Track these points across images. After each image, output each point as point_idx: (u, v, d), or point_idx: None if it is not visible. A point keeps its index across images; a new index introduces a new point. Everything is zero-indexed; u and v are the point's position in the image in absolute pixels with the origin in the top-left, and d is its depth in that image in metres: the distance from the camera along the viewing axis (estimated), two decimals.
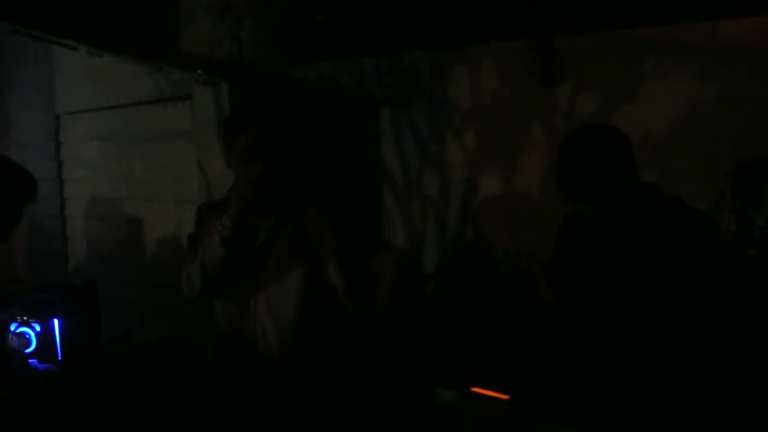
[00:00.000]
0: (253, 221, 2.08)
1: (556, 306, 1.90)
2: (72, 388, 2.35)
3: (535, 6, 2.80)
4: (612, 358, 1.65)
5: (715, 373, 1.55)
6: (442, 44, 3.42)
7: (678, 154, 2.66)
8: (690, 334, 1.54)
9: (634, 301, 1.59)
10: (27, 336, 2.30)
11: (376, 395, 1.76)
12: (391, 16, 3.39)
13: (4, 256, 4.54)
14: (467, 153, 3.40)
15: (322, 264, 2.10)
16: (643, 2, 2.77)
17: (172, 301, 3.37)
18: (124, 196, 4.34)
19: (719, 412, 1.54)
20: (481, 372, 1.90)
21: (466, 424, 1.54)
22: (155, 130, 4.04)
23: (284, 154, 2.05)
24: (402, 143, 3.66)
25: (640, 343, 1.60)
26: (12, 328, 2.30)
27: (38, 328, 2.32)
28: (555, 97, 3.08)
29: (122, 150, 4.27)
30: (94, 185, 4.45)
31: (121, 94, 4.10)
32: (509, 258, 3.24)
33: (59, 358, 2.35)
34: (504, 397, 1.58)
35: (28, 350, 2.31)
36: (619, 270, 1.63)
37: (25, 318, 2.31)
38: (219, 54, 3.46)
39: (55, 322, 2.35)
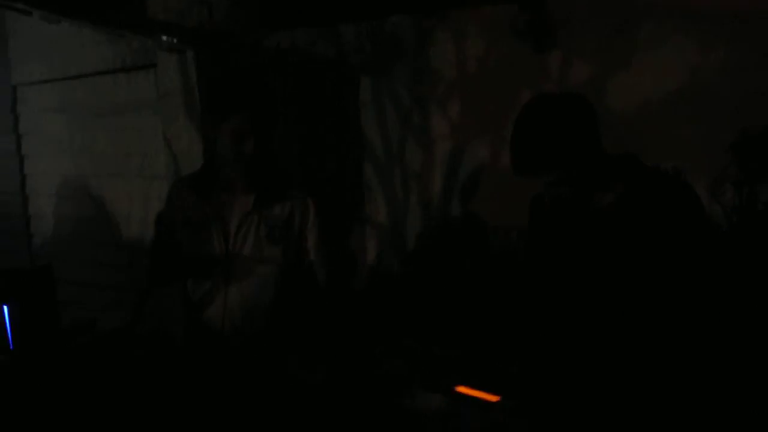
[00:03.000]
0: (230, 201, 1.90)
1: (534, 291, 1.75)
2: (27, 379, 2.20)
3: None
4: (587, 347, 1.53)
5: (697, 361, 1.46)
6: (424, 7, 3.24)
7: (678, 124, 2.52)
8: (669, 321, 1.43)
9: (607, 286, 1.48)
10: None
11: (348, 394, 1.60)
12: None
13: None
14: (452, 124, 3.24)
15: (303, 252, 1.95)
16: None
17: (141, 282, 3.20)
18: (88, 172, 4.12)
19: (698, 397, 1.46)
20: (467, 365, 1.74)
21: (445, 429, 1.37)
22: (118, 101, 3.81)
23: (274, 132, 1.87)
24: (383, 114, 3.49)
25: (616, 331, 1.48)
26: None
27: None
28: (545, 63, 2.91)
29: (84, 123, 4.04)
30: (56, 161, 4.21)
31: (81, 63, 3.85)
32: (499, 234, 3.14)
33: (11, 347, 2.19)
34: (493, 398, 1.40)
35: None
36: (589, 252, 1.50)
37: None
38: (189, 21, 3.23)
39: (5, 308, 2.18)
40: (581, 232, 1.52)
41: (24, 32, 4.09)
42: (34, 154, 4.36)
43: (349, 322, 2.64)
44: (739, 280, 2.13)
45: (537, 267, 1.68)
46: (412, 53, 3.31)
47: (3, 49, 4.18)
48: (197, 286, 1.95)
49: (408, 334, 2.38)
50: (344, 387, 1.59)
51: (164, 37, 2.99)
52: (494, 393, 1.40)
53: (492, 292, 2.94)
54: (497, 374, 1.58)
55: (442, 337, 2.57)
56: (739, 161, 2.29)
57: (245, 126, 1.78)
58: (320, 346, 1.93)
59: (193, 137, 3.23)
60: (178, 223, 1.95)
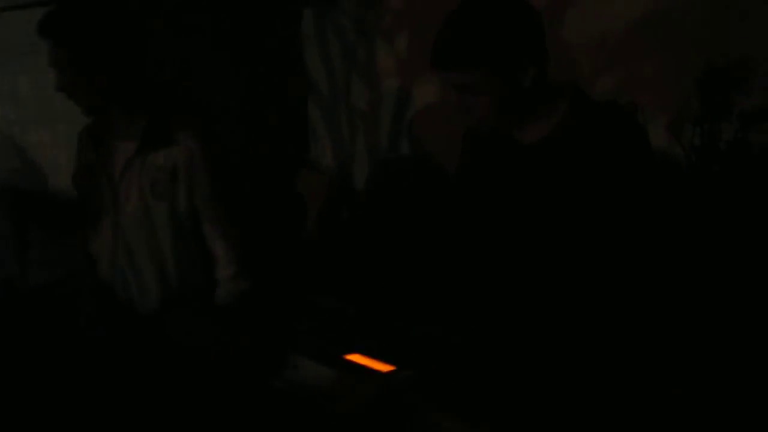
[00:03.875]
0: (115, 146, 1.67)
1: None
2: None
3: None
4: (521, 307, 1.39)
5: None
6: None
7: (638, 57, 2.34)
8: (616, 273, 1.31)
9: (543, 232, 1.34)
10: None
11: (226, 357, 1.38)
12: None
13: None
14: (400, 59, 3.03)
15: (195, 212, 1.66)
16: None
17: (70, 238, 2.97)
18: (11, 118, 3.80)
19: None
20: (369, 326, 1.54)
21: (331, 404, 1.17)
22: (36, 39, 3.44)
23: (131, 63, 1.61)
24: (327, 49, 3.28)
25: (556, 286, 1.35)
26: None
27: None
28: None
29: (2, 64, 3.69)
30: None
31: None
32: (450, 177, 2.98)
33: None
34: (386, 368, 1.21)
35: None
36: (522, 193, 1.37)
37: None
38: None
39: None
40: (514, 169, 1.37)
41: None
42: None
43: (287, 276, 2.46)
44: (698, 225, 2.00)
45: (467, 210, 1.53)
46: None
47: None
48: (92, 239, 1.75)
49: (332, 290, 2.21)
50: (238, 356, 1.39)
51: None
52: (392, 361, 1.21)
53: (443, 236, 2.80)
54: (400, 337, 1.41)
55: (385, 292, 2.43)
56: (701, 96, 2.12)
57: (59, 55, 1.55)
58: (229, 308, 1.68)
59: None
60: (79, 171, 1.77)
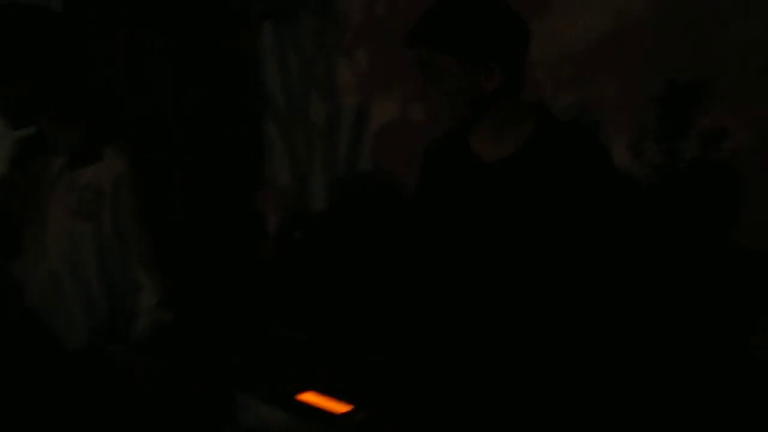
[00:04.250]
0: (44, 162, 1.50)
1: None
2: None
3: None
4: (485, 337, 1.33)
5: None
6: None
7: (600, 74, 2.33)
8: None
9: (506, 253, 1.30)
10: None
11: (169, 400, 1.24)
12: None
13: None
14: (360, 75, 3.01)
15: (120, 235, 1.48)
16: None
17: None
18: None
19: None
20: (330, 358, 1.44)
21: None
22: None
23: (59, 72, 1.42)
24: (286, 64, 3.23)
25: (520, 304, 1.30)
26: None
27: None
28: None
29: None
30: None
31: None
32: (410, 194, 2.92)
33: None
34: (342, 409, 1.10)
35: None
36: (486, 212, 1.32)
37: None
38: None
39: None
40: (476, 188, 1.33)
41: None
42: None
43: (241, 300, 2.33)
44: (658, 243, 1.98)
45: (425, 229, 1.48)
46: None
47: None
48: (17, 262, 1.57)
49: (287, 317, 2.10)
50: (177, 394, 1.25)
51: None
52: (349, 398, 1.11)
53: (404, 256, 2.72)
54: (357, 369, 1.31)
55: (341, 319, 2.32)
56: (661, 115, 2.12)
57: None
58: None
59: None
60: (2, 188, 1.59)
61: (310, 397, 1.14)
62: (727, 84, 2.02)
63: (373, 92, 2.97)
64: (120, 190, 1.44)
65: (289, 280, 3.02)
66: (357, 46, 2.99)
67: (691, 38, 2.12)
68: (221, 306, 1.82)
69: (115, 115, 1.61)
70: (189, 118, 3.18)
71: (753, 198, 1.93)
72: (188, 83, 3.15)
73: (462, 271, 1.35)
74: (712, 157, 2.05)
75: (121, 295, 1.49)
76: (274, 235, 3.32)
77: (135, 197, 1.45)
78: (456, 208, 1.36)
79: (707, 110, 2.08)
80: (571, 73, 2.36)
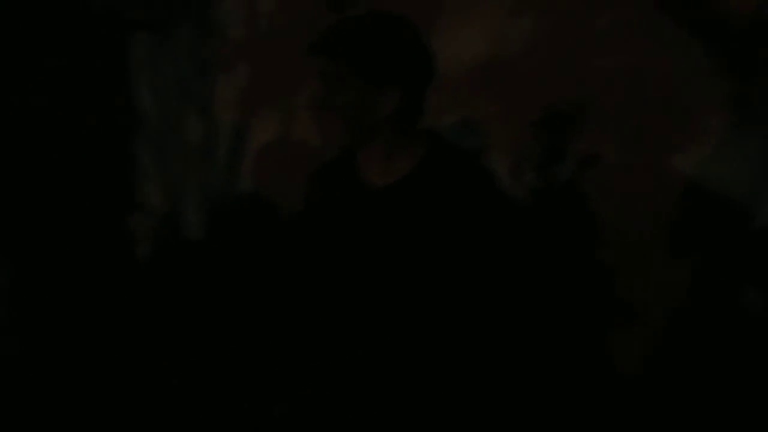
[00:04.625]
0: None
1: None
2: None
3: None
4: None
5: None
6: None
7: (483, 97, 2.32)
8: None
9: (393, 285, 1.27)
10: None
11: None
12: None
13: None
14: (239, 92, 2.86)
15: None
16: None
17: None
18: None
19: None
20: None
21: None
22: None
23: None
24: (159, 80, 3.03)
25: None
26: None
27: None
28: None
29: None
30: None
31: None
32: (291, 218, 2.80)
33: None
34: None
35: None
36: (371, 241, 1.30)
37: None
38: None
39: None
40: (362, 213, 1.31)
41: None
42: None
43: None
44: (536, 267, 1.97)
45: (307, 254, 1.44)
46: (195, 6, 2.89)
47: None
48: None
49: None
50: None
51: None
52: None
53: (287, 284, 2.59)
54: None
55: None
56: (538, 140, 2.14)
57: None
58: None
59: None
60: None
61: None
62: (601, 108, 2.06)
63: (254, 110, 2.83)
64: None
65: (159, 307, 2.82)
66: (237, 61, 2.85)
67: (566, 63, 2.15)
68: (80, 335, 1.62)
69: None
70: (49, 136, 2.90)
71: (615, 217, 2.00)
72: (52, 102, 2.88)
73: (342, 302, 1.31)
74: (586, 180, 2.09)
75: None
76: (145, 260, 3.08)
77: None
78: (340, 235, 1.33)
79: (582, 135, 2.12)
80: (451, 96, 2.33)
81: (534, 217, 2.09)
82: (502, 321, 1.24)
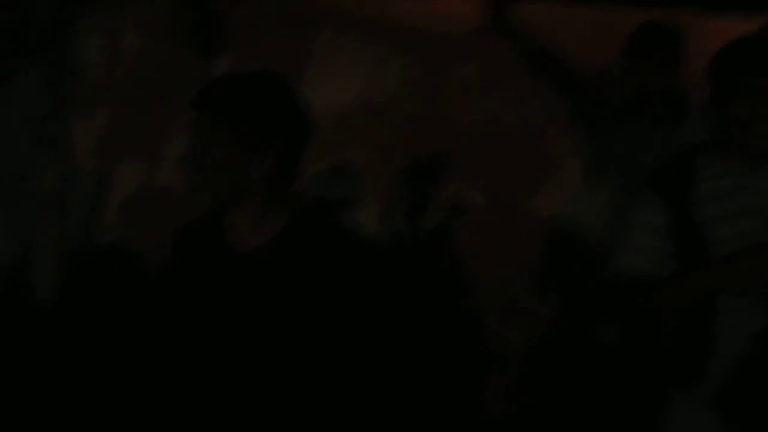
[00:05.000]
0: None
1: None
2: None
3: None
4: None
5: None
6: None
7: (353, 144, 2.38)
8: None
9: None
10: None
11: None
12: None
13: None
14: (99, 137, 2.77)
15: None
16: None
17: None
18: None
19: None
20: None
21: None
22: None
23: None
24: (9, 122, 2.79)
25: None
26: None
27: None
28: (214, 69, 2.59)
29: None
30: None
31: None
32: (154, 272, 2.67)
33: None
34: None
35: None
36: (233, 306, 1.31)
37: None
38: None
39: None
40: (225, 277, 1.31)
41: None
42: None
43: None
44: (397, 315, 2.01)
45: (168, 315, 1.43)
46: (52, 44, 2.75)
47: None
48: None
49: None
50: None
51: None
52: None
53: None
54: None
55: None
56: (405, 188, 2.21)
57: None
58: None
59: None
60: None
61: None
62: (467, 155, 2.15)
63: (115, 156, 2.71)
64: None
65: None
66: (97, 104, 2.77)
67: (434, 112, 2.25)
68: None
69: None
70: None
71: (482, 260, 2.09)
72: None
73: (207, 363, 1.29)
74: (450, 224, 2.17)
75: None
76: None
77: None
78: (205, 298, 1.33)
79: (444, 183, 2.22)
80: (323, 141, 2.36)
81: (398, 265, 2.14)
82: (367, 373, 1.26)
